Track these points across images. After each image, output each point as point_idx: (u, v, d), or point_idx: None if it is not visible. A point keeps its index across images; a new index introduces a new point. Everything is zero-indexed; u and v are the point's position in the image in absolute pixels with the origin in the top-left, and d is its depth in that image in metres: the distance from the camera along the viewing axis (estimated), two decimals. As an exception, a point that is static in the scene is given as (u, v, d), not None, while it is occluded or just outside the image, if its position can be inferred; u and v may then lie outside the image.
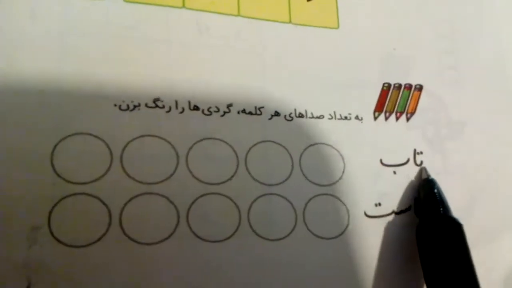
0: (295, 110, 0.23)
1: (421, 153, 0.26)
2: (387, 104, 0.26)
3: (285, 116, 0.23)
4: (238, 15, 0.24)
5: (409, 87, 0.27)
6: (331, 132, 0.24)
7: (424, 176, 0.25)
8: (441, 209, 0.23)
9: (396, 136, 0.25)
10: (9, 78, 0.19)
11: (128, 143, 0.20)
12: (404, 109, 0.26)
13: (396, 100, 0.26)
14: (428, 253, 0.22)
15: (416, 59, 0.27)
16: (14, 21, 0.20)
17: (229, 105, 0.22)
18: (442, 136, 0.26)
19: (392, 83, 0.26)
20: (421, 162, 0.25)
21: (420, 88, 0.27)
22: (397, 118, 0.26)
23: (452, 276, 0.21)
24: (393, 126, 0.26)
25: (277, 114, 0.23)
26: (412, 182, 0.25)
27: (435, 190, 0.23)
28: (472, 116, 0.27)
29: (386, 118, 0.25)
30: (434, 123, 0.27)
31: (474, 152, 0.27)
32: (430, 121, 0.26)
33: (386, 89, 0.26)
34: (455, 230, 0.22)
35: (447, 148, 0.26)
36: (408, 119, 0.26)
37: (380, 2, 0.27)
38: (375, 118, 0.25)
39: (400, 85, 0.26)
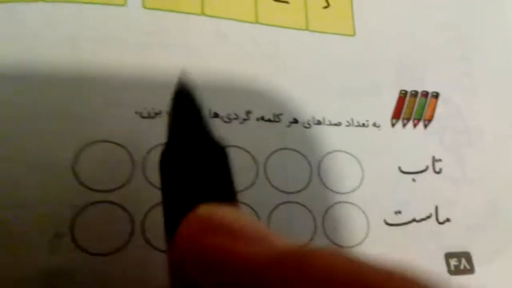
0: (313, 117, 0.23)
1: (440, 160, 0.25)
2: (404, 111, 0.26)
3: (303, 123, 0.23)
4: (256, 22, 0.24)
5: (425, 94, 0.27)
6: (349, 139, 0.24)
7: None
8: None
9: (414, 143, 0.25)
10: (29, 84, 0.19)
11: (149, 150, 0.19)
12: (421, 116, 0.26)
13: (413, 107, 0.26)
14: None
15: (432, 66, 0.27)
16: (33, 26, 0.20)
17: (248, 112, 0.22)
18: (460, 143, 0.26)
19: (408, 90, 0.26)
20: (440, 170, 0.25)
21: (436, 95, 0.27)
22: (415, 125, 0.26)
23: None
24: (411, 133, 0.25)
25: (295, 121, 0.23)
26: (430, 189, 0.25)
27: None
28: (490, 122, 0.27)
29: (404, 125, 0.25)
30: (452, 130, 0.26)
31: (493, 158, 0.27)
32: (448, 128, 0.26)
33: (403, 96, 0.26)
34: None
35: (465, 155, 0.26)
36: (425, 126, 0.26)
37: (395, 9, 0.27)
38: (393, 125, 0.25)
39: (416, 92, 0.26)
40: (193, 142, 0.14)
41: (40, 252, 0.17)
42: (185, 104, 0.14)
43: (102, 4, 0.21)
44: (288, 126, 0.23)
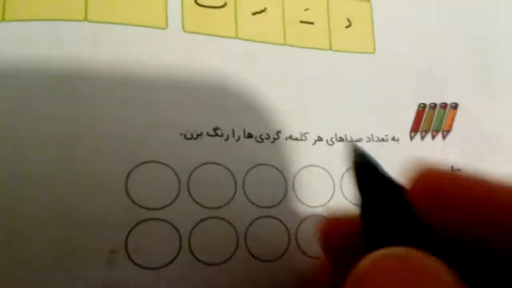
0: (335, 134, 0.25)
1: (459, 170, 0.27)
2: (423, 124, 0.27)
3: (327, 140, 0.25)
4: (284, 44, 0.25)
5: (444, 106, 0.28)
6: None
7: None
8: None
9: (433, 155, 0.27)
10: (75, 104, 0.20)
11: (193, 170, 0.21)
12: (440, 127, 0.27)
13: (432, 120, 0.27)
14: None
15: (451, 77, 0.28)
16: (77, 47, 0.21)
17: (278, 132, 0.24)
18: (480, 152, 0.28)
19: (427, 103, 0.28)
20: None
21: (455, 106, 0.28)
22: (433, 137, 0.27)
23: None
24: (430, 144, 0.27)
25: (320, 139, 0.25)
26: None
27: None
28: (510, 131, 0.28)
29: (422, 138, 0.27)
30: (470, 139, 0.28)
31: None
32: (467, 138, 0.28)
33: (421, 109, 0.27)
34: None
35: (485, 164, 0.27)
36: (444, 137, 0.27)
37: (414, 23, 0.28)
38: (411, 138, 0.27)
39: (435, 105, 0.28)
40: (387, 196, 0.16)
41: (97, 268, 0.19)
42: (367, 165, 0.18)
43: (144, 26, 0.23)
44: (314, 144, 0.25)
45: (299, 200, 0.23)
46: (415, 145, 0.27)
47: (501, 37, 0.30)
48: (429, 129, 0.27)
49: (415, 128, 0.27)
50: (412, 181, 0.15)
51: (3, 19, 0.21)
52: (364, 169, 0.17)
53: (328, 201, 0.24)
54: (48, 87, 0.20)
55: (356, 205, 0.24)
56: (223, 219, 0.21)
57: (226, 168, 0.22)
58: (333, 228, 0.18)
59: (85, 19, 0.21)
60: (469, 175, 0.14)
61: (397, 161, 0.26)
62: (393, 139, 0.26)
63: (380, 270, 0.11)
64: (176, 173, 0.21)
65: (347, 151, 0.18)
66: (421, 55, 0.28)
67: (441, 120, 0.28)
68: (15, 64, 0.20)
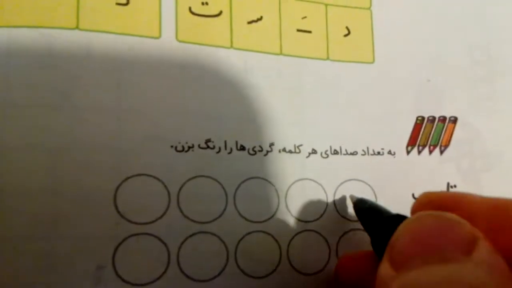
0: (330, 147, 0.25)
1: (455, 186, 0.26)
2: (420, 138, 0.27)
3: (321, 153, 0.25)
4: (280, 53, 0.25)
5: (443, 119, 0.27)
6: (364, 168, 0.25)
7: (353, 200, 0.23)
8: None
9: (429, 170, 0.26)
10: (66, 115, 0.20)
11: (184, 183, 0.21)
12: (438, 142, 0.27)
13: (430, 134, 0.27)
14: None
15: (451, 90, 0.28)
16: (71, 56, 0.21)
17: (271, 144, 0.23)
18: (477, 168, 0.27)
19: (426, 116, 0.27)
20: None
21: (454, 120, 0.27)
22: (431, 152, 0.27)
23: None
24: (426, 159, 0.26)
25: (314, 151, 0.24)
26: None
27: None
28: (510, 146, 0.28)
29: (419, 152, 0.26)
30: (469, 155, 0.27)
31: (511, 183, 0.27)
32: (465, 153, 0.27)
33: (419, 122, 0.27)
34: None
35: (482, 180, 0.27)
36: (441, 152, 0.27)
37: (414, 33, 0.28)
38: (408, 153, 0.26)
39: (434, 118, 0.27)
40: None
41: (83, 284, 0.19)
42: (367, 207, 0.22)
43: (137, 36, 0.22)
44: (308, 156, 0.24)
45: (291, 214, 0.23)
46: (412, 160, 0.26)
47: (501, 49, 0.29)
48: (426, 144, 0.27)
49: (412, 142, 0.27)
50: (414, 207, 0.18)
51: (-8, 24, 0.20)
52: (365, 211, 0.21)
53: (321, 216, 0.24)
54: (38, 96, 0.20)
55: (349, 220, 0.24)
56: (213, 234, 0.21)
57: (217, 181, 0.22)
58: (349, 265, 0.21)
59: (77, 27, 0.21)
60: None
61: (393, 176, 0.26)
62: (389, 152, 0.26)
63: (415, 225, 0.15)
64: (166, 187, 0.21)
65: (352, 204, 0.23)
66: (421, 66, 0.27)
67: (440, 134, 0.27)
68: (3, 70, 0.20)
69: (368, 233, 0.20)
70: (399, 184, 0.26)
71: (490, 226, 0.15)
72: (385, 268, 0.14)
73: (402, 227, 0.15)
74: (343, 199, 0.24)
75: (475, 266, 0.13)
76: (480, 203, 0.16)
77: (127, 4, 0.22)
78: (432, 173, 0.26)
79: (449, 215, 0.14)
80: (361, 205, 0.22)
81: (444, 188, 0.27)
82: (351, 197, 0.24)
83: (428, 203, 0.18)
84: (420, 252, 0.13)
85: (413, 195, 0.26)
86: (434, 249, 0.13)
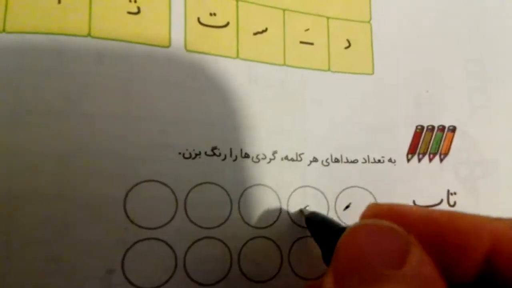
0: (331, 155, 0.26)
1: (455, 193, 0.27)
2: (420, 146, 0.27)
3: (322, 161, 0.25)
4: (284, 64, 0.26)
5: (442, 128, 0.28)
6: (365, 175, 0.26)
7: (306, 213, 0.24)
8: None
9: (429, 178, 0.27)
10: (76, 121, 0.21)
11: (190, 189, 0.21)
12: (438, 150, 0.28)
13: (430, 142, 0.28)
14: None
15: (449, 100, 0.28)
16: (81, 65, 0.21)
17: (274, 152, 0.24)
18: (475, 176, 0.28)
19: (425, 125, 0.28)
20: (455, 203, 0.27)
21: (453, 129, 0.28)
22: (430, 160, 0.27)
23: None
24: (426, 167, 0.27)
25: (315, 160, 0.25)
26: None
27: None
28: (505, 154, 0.28)
29: (419, 160, 0.27)
30: (467, 162, 0.28)
31: (508, 190, 0.28)
32: (464, 161, 0.28)
33: (419, 131, 0.28)
34: None
35: (480, 187, 0.28)
36: (441, 160, 0.28)
37: (412, 46, 0.29)
38: (408, 160, 0.27)
39: (433, 127, 0.28)
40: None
41: (94, 287, 0.19)
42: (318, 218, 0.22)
43: (147, 44, 0.23)
44: (309, 164, 0.25)
45: (292, 221, 0.24)
46: (412, 168, 0.27)
47: (498, 60, 0.30)
48: (426, 152, 0.28)
49: (412, 150, 0.27)
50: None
51: (4, 30, 0.21)
52: (316, 224, 0.22)
53: (322, 222, 0.24)
54: (48, 102, 0.20)
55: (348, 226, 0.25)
56: (217, 239, 0.22)
57: (223, 188, 0.22)
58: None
59: (89, 35, 0.22)
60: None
61: (394, 183, 0.27)
62: (390, 160, 0.27)
63: (349, 238, 0.15)
64: (173, 192, 0.21)
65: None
66: (419, 77, 0.28)
67: (439, 143, 0.28)
68: (13, 76, 0.20)
69: (319, 246, 0.20)
70: (400, 191, 0.26)
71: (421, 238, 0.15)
72: (328, 283, 0.14)
73: (340, 240, 0.15)
74: (344, 206, 0.25)
75: (405, 285, 0.13)
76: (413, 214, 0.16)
77: (138, 13, 0.23)
78: (433, 181, 0.27)
79: (384, 222, 0.15)
80: (312, 218, 0.22)
81: (444, 195, 0.27)
82: (304, 210, 0.24)
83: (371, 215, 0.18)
84: (356, 269, 0.14)
85: (414, 202, 0.27)
86: (366, 266, 0.13)
